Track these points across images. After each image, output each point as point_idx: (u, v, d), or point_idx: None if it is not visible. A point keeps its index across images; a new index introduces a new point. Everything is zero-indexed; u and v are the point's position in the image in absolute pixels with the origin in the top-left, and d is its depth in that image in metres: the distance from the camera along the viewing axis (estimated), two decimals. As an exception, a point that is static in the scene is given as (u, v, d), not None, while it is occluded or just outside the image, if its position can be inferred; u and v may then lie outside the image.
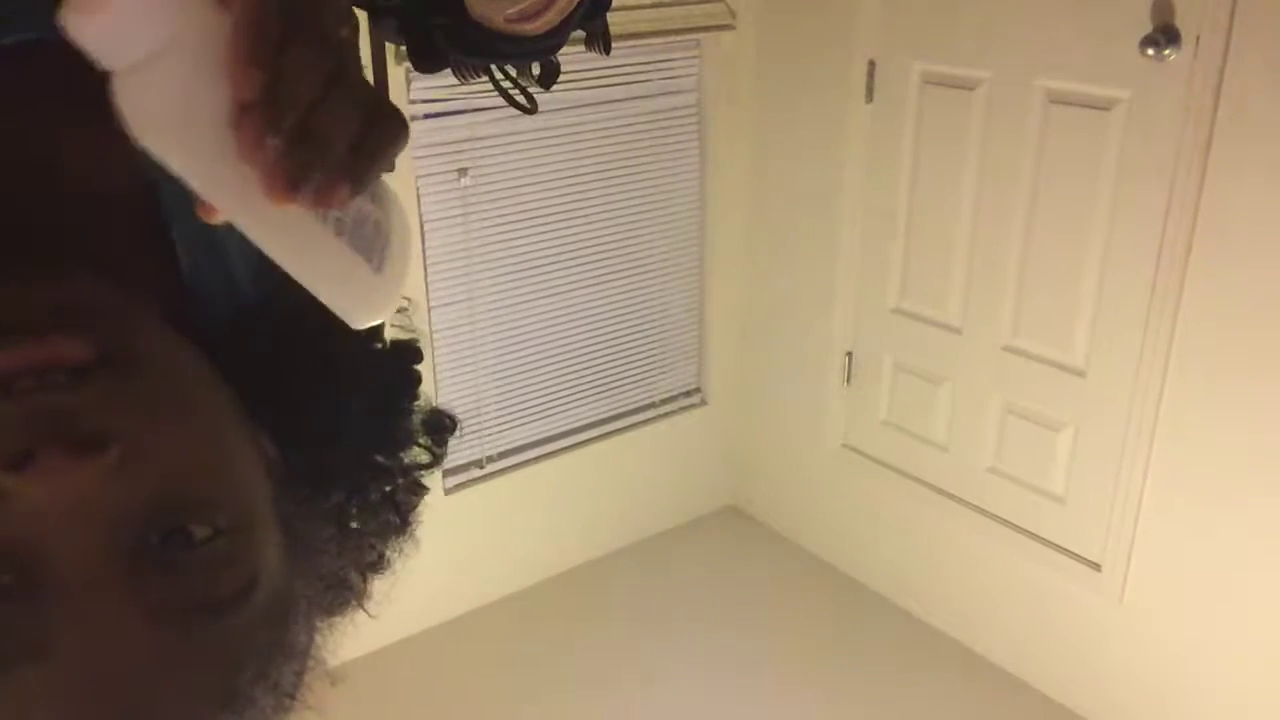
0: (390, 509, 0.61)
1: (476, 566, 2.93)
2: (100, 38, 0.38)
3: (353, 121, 0.40)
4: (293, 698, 0.53)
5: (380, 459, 0.60)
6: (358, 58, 0.42)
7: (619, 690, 2.73)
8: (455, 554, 2.86)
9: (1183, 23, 2.07)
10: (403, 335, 0.62)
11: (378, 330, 0.61)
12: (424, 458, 0.62)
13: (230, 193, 0.40)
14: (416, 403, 0.62)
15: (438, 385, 2.71)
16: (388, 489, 0.61)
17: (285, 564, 0.51)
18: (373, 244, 0.45)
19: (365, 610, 0.60)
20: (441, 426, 0.63)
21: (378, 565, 0.61)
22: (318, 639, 0.56)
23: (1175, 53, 2.08)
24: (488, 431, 2.87)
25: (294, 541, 0.52)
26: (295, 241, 0.42)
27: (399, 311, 0.61)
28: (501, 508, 2.92)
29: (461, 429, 0.64)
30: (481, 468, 2.87)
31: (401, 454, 0.61)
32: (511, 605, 3.00)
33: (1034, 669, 2.69)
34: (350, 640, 0.64)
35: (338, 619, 0.59)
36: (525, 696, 2.69)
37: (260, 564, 0.48)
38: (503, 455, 2.91)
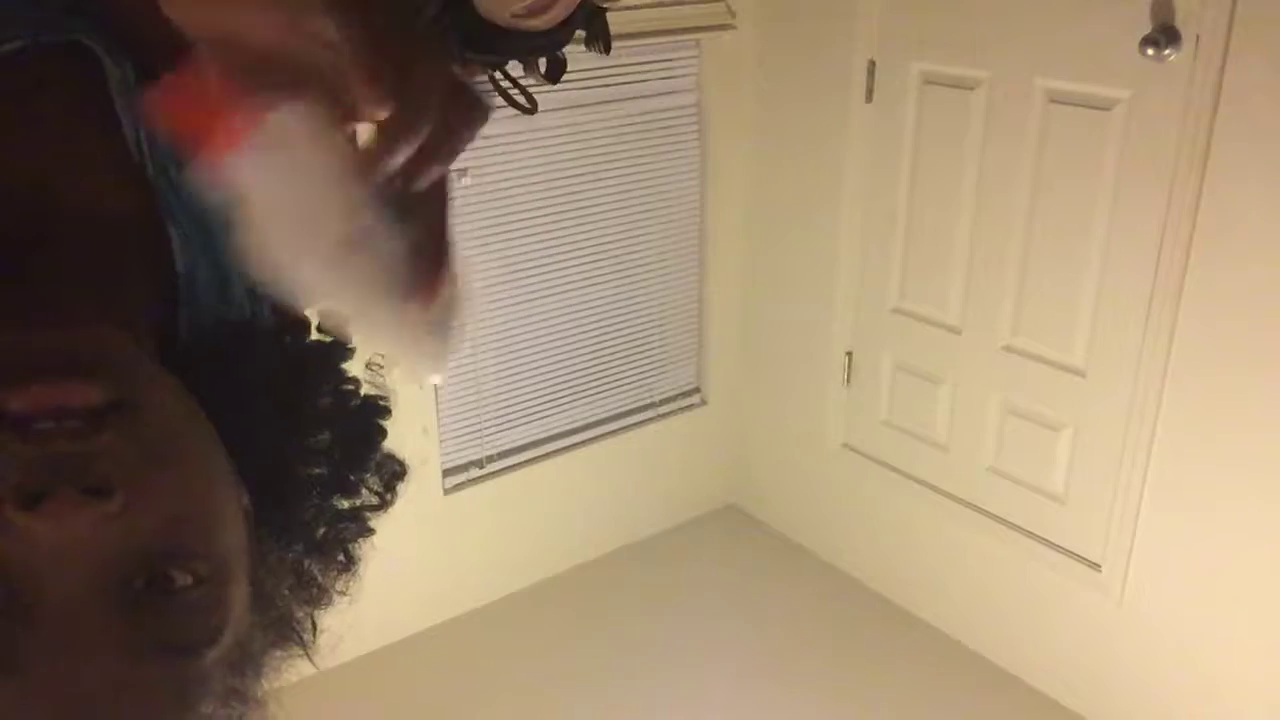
0: (339, 549, 0.64)
1: (476, 566, 2.93)
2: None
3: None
4: None
5: (336, 505, 0.64)
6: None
7: (619, 689, 2.73)
8: (455, 554, 2.86)
9: (1183, 23, 2.07)
10: (373, 392, 0.65)
11: (353, 383, 0.64)
12: (373, 500, 0.65)
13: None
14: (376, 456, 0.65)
15: (438, 385, 2.71)
16: (339, 529, 0.63)
17: (248, 614, 0.54)
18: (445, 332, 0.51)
19: (311, 659, 0.63)
20: (392, 473, 0.66)
21: (320, 601, 0.64)
22: (264, 684, 0.59)
23: (1175, 53, 2.08)
24: (488, 431, 2.87)
25: (258, 593, 0.55)
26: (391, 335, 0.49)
27: (370, 368, 0.65)
28: (501, 508, 2.92)
29: (411, 475, 0.66)
30: (481, 468, 2.87)
31: (355, 499, 0.65)
32: (511, 605, 3.00)
33: (1034, 669, 2.69)
34: (352, 640, 0.65)
35: (282, 661, 0.62)
36: (526, 696, 2.69)
37: (230, 613, 0.50)
38: (502, 455, 2.91)
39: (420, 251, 0.46)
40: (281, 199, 0.43)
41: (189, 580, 0.47)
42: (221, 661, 0.51)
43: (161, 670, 0.47)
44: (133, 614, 0.45)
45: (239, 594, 0.52)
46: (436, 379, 0.51)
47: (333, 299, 0.46)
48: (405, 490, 0.65)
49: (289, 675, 0.63)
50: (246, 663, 0.55)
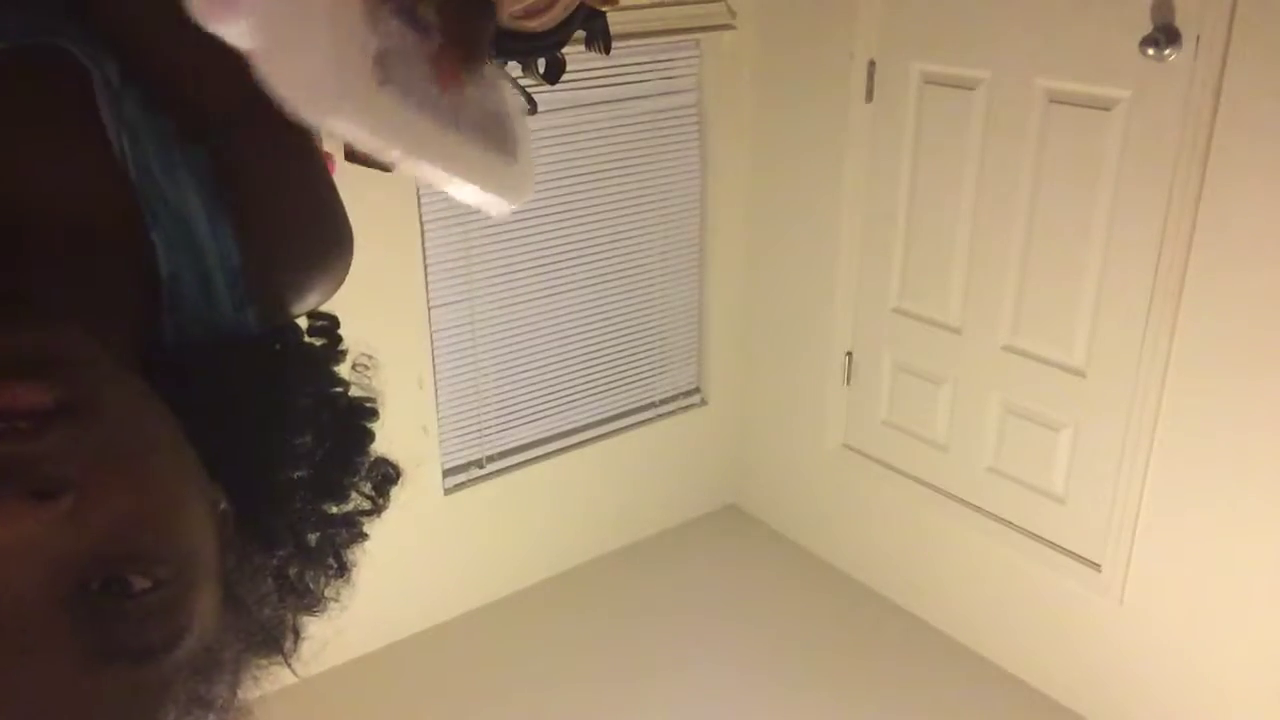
0: (330, 554, 0.62)
1: (476, 566, 2.93)
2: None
3: None
4: None
5: (326, 510, 0.62)
6: None
7: (619, 689, 2.73)
8: (455, 554, 2.86)
9: (1183, 23, 2.07)
10: (360, 394, 0.64)
11: (341, 386, 0.63)
12: (365, 505, 0.64)
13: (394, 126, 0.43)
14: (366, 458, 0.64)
15: (438, 385, 2.71)
16: (330, 534, 0.62)
17: (219, 619, 0.52)
18: (504, 136, 0.48)
19: (291, 668, 0.61)
20: (385, 477, 0.65)
21: (314, 608, 0.63)
22: (240, 692, 0.57)
23: (1175, 53, 2.08)
24: (488, 431, 2.87)
25: (232, 597, 0.54)
26: (434, 152, 0.45)
27: (356, 369, 0.64)
28: (501, 508, 2.92)
29: (404, 480, 0.65)
30: (481, 468, 2.87)
31: (346, 504, 0.63)
32: (511, 605, 3.00)
33: (1034, 669, 2.69)
34: (354, 640, 0.65)
35: (267, 666, 0.60)
36: (526, 696, 2.69)
37: (193, 618, 0.49)
38: (503, 455, 2.91)
39: (443, 45, 0.43)
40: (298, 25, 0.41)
41: (148, 584, 0.46)
42: (185, 667, 0.49)
43: (118, 677, 0.46)
44: (88, 619, 0.44)
45: (205, 597, 0.50)
46: (505, 206, 0.49)
47: (375, 128, 0.42)
48: (399, 494, 0.64)
49: (289, 677, 0.62)
50: (215, 669, 0.53)
